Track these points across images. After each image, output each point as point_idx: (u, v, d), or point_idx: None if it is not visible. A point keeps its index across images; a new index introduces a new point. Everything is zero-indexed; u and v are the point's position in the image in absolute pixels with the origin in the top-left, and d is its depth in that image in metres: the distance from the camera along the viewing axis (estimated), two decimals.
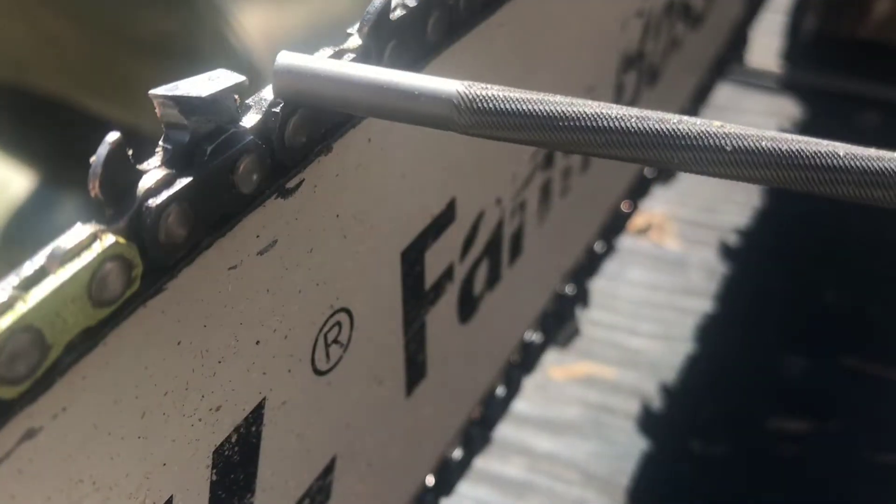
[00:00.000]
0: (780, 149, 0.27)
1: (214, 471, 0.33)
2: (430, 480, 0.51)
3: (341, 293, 0.37)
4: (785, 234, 0.96)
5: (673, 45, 0.75)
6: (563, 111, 0.28)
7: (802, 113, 1.13)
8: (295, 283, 0.34)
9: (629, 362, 0.81)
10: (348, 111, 0.31)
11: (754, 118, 1.13)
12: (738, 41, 1.01)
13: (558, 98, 0.29)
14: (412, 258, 0.42)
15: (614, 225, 0.72)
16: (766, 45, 1.17)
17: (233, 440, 0.33)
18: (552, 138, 0.28)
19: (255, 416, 0.34)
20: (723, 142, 0.27)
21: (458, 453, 0.54)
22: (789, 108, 1.14)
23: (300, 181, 0.33)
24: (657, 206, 0.97)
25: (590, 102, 0.28)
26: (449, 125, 0.29)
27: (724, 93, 1.11)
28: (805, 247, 0.93)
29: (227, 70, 0.30)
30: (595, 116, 0.28)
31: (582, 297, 0.67)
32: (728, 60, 0.98)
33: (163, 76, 0.30)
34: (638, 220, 0.95)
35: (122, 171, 0.26)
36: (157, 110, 0.28)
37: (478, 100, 0.28)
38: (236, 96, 0.29)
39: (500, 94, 0.29)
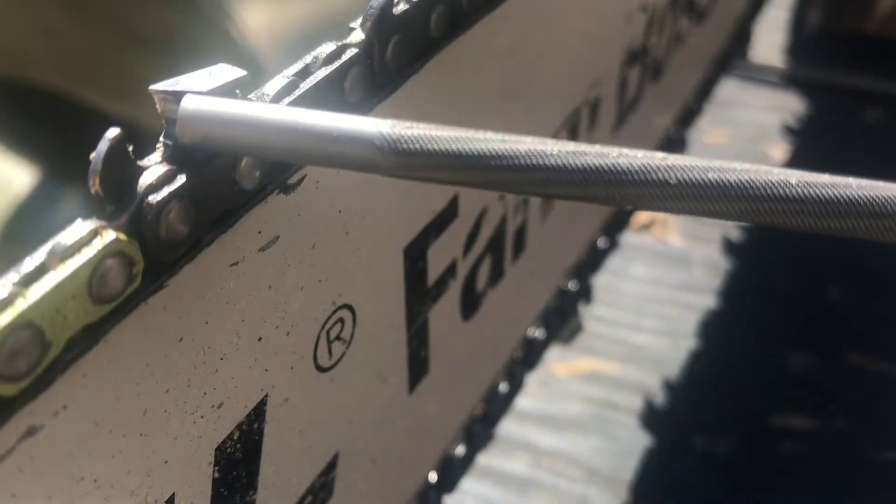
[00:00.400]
0: (727, 180, 0.25)
1: (216, 468, 0.32)
2: (433, 477, 0.51)
3: (344, 290, 0.37)
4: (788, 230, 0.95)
5: (677, 39, 0.75)
6: (494, 149, 0.26)
7: (806, 108, 1.13)
8: (297, 280, 0.34)
9: (632, 358, 0.81)
10: (263, 157, 0.29)
11: (757, 113, 1.12)
12: (741, 36, 1.00)
13: (490, 135, 0.27)
14: (415, 255, 0.42)
15: (617, 221, 0.72)
16: (769, 41, 1.17)
17: (235, 437, 0.33)
18: (486, 178, 0.26)
19: (257, 413, 0.34)
20: (666, 175, 0.25)
21: (460, 450, 0.53)
22: (793, 103, 1.14)
23: (302, 177, 0.33)
24: None
25: (524, 139, 0.26)
26: (373, 168, 0.27)
27: (728, 88, 1.11)
28: (809, 243, 0.93)
29: (228, 65, 0.29)
30: (529, 154, 0.26)
31: (585, 294, 0.67)
32: (732, 56, 0.97)
33: (164, 71, 0.30)
34: (641, 216, 0.95)
35: (123, 167, 0.26)
36: (157, 106, 0.28)
37: (402, 140, 0.26)
38: (237, 91, 0.29)
39: (427, 133, 0.27)
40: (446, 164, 0.26)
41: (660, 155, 0.26)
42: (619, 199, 0.26)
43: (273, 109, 0.27)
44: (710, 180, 0.26)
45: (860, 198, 0.25)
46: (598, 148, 0.26)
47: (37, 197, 1.04)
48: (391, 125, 0.27)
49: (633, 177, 0.26)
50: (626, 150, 0.26)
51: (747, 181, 0.25)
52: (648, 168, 0.26)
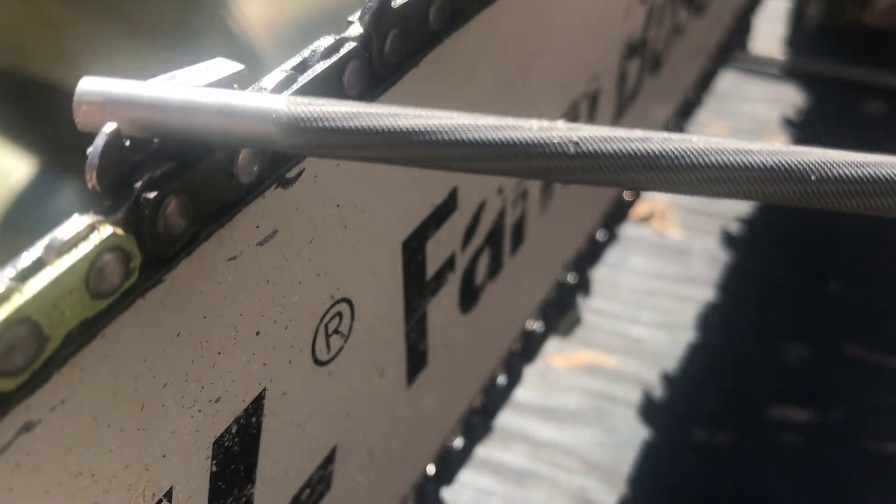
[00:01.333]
0: (661, 149, 0.25)
1: (214, 462, 0.32)
2: (431, 469, 0.51)
3: (342, 283, 0.37)
4: (788, 222, 0.95)
5: (676, 32, 0.75)
6: (403, 125, 0.26)
7: (806, 101, 1.13)
8: (295, 274, 0.34)
9: (631, 351, 0.81)
10: (163, 138, 0.28)
11: (757, 106, 1.12)
12: (741, 28, 1.00)
13: (395, 110, 0.26)
14: (413, 248, 0.42)
15: (616, 213, 0.72)
16: (769, 32, 1.17)
17: (233, 431, 0.33)
18: (391, 154, 0.26)
19: (256, 407, 0.34)
20: (566, 144, 0.25)
21: (459, 442, 0.53)
22: (793, 95, 1.13)
23: (300, 171, 0.33)
24: (659, 194, 0.97)
25: (437, 113, 0.26)
26: (271, 144, 0.26)
27: (727, 80, 1.11)
28: (808, 234, 0.93)
29: (225, 59, 0.29)
30: (448, 129, 0.26)
31: (583, 286, 0.67)
32: (731, 47, 0.97)
33: (163, 63, 0.30)
34: (640, 209, 0.95)
35: (120, 161, 0.26)
36: None
37: (300, 117, 0.26)
38: (235, 85, 0.29)
39: (326, 108, 0.26)
40: (345, 143, 0.26)
41: (563, 125, 0.26)
42: (525, 170, 0.26)
43: (170, 89, 0.27)
44: (649, 150, 0.25)
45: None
46: (510, 121, 0.26)
47: (35, 188, 1.04)
48: (289, 101, 0.26)
49: (542, 150, 0.25)
50: (541, 122, 0.26)
51: (694, 149, 0.25)
52: (565, 141, 0.25)
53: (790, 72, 1.16)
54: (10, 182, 1.04)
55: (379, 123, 0.26)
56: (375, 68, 0.35)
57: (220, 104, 0.26)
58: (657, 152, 0.25)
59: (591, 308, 0.82)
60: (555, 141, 0.25)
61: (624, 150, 0.25)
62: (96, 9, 1.00)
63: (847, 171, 0.25)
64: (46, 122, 1.04)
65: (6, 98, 1.03)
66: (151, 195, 0.26)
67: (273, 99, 0.26)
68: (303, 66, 0.32)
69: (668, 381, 0.78)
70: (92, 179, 0.25)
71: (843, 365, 0.80)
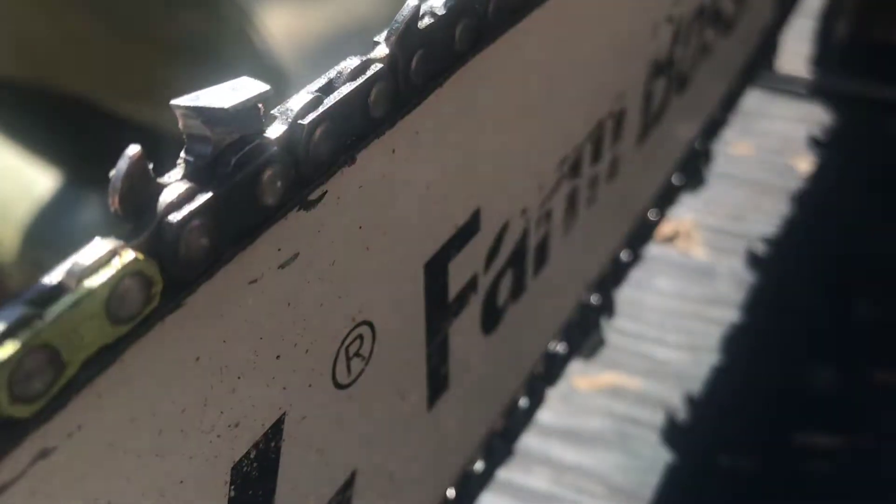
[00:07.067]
0: None
1: (233, 487, 0.32)
2: (452, 493, 0.51)
3: (363, 306, 0.37)
4: (815, 243, 0.94)
5: (703, 51, 0.74)
6: None
7: (833, 120, 1.11)
8: (316, 297, 0.34)
9: (655, 373, 0.80)
10: None
11: (784, 125, 1.11)
12: (768, 47, 0.99)
13: None
14: (436, 270, 0.42)
15: (641, 233, 0.71)
16: (796, 51, 1.16)
17: (251, 456, 0.33)
18: None
19: (275, 432, 0.33)
20: None
21: (479, 465, 0.53)
22: (820, 114, 1.12)
23: (323, 193, 0.32)
24: (684, 214, 0.96)
25: None
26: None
27: (754, 99, 1.10)
28: (836, 256, 0.92)
29: (251, 78, 0.29)
30: None
31: (607, 307, 0.66)
32: (758, 66, 0.96)
33: (188, 78, 0.29)
34: (665, 229, 0.94)
35: (143, 184, 0.26)
36: (179, 122, 0.27)
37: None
38: (260, 106, 0.29)
39: None
40: None
41: None
42: None
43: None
44: None
45: None
46: None
47: (59, 201, 1.04)
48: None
49: None
50: None
51: None
52: None
53: (817, 91, 1.15)
54: (34, 195, 1.05)
55: None
56: (401, 89, 0.35)
57: None
58: None
59: (615, 329, 0.81)
60: None
61: None
62: (122, 24, 1.01)
63: None
64: (71, 137, 1.04)
65: (32, 112, 1.04)
66: (174, 219, 0.26)
67: None
68: (329, 88, 0.32)
69: (693, 404, 0.77)
70: (115, 203, 0.25)
71: (873, 390, 0.78)
